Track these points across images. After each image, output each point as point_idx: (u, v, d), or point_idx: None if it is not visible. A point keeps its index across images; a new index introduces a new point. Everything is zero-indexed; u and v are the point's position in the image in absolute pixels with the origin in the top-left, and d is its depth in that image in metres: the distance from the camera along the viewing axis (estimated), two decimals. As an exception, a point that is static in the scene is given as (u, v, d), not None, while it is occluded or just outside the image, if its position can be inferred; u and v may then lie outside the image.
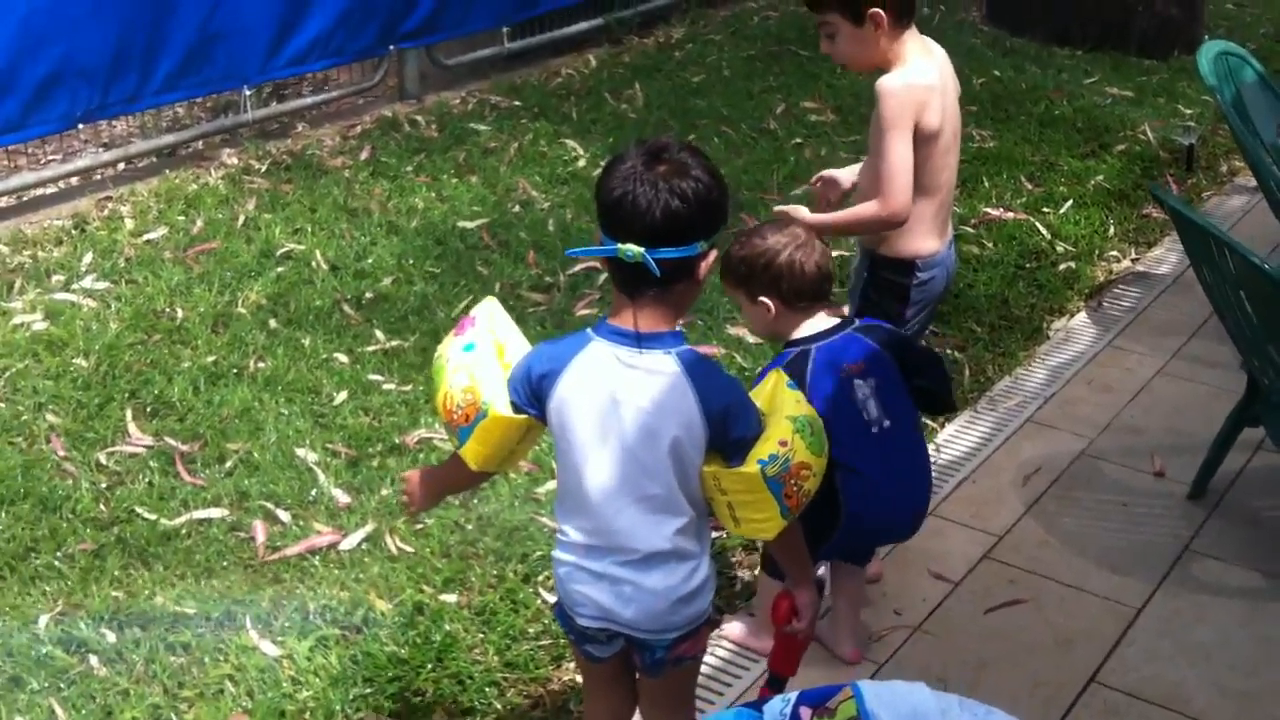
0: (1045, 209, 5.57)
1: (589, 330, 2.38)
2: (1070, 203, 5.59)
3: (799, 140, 6.22)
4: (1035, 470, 3.98)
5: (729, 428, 2.31)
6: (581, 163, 6.02)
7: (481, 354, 2.47)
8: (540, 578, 3.48)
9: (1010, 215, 5.48)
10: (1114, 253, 5.40)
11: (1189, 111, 6.73)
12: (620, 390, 2.31)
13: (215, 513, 3.70)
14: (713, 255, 2.32)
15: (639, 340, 2.30)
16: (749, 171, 5.86)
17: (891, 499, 2.99)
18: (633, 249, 2.21)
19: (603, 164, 6.02)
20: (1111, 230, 5.51)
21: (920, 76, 3.15)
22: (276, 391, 4.27)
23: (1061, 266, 5.19)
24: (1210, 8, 7.99)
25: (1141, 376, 4.51)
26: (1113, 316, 4.96)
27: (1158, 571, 3.54)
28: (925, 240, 3.23)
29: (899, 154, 3.10)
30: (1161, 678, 3.18)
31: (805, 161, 5.96)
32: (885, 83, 3.13)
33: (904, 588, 3.49)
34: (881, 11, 3.11)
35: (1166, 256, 5.42)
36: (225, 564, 3.51)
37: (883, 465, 2.93)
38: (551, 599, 3.39)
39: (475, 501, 3.74)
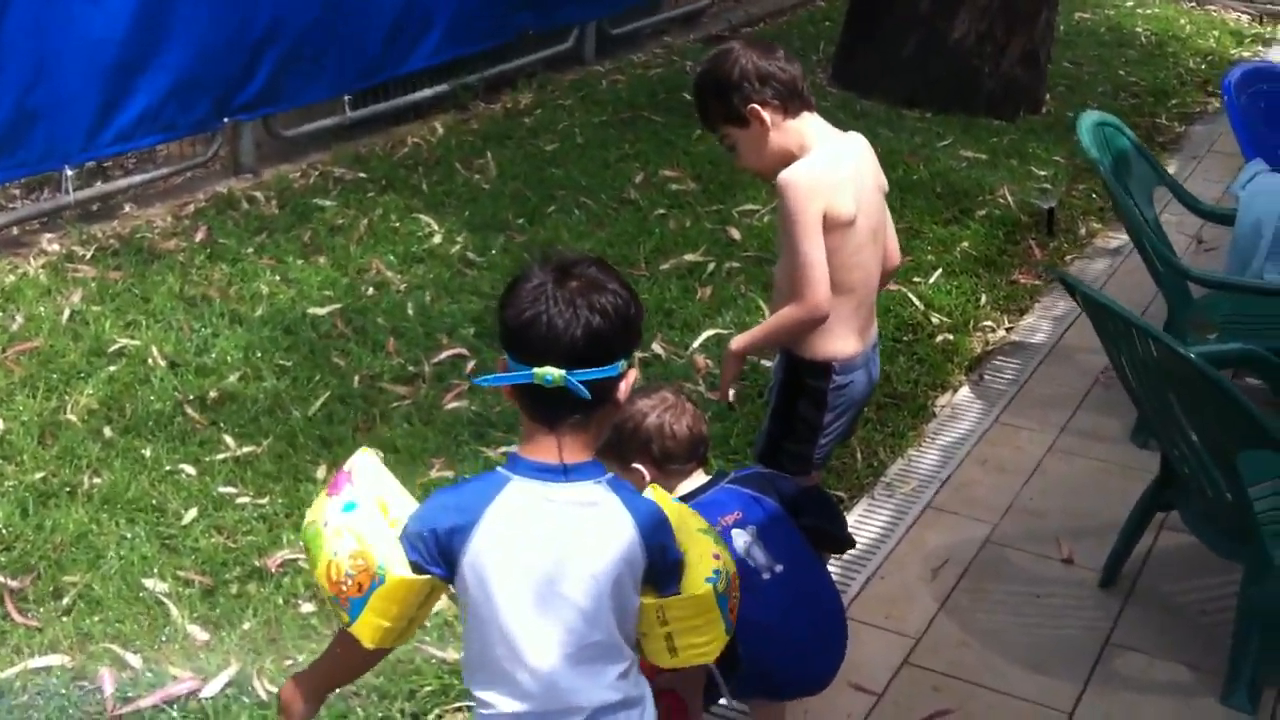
0: (916, 278, 5.45)
1: (501, 470, 2.12)
2: (939, 271, 5.49)
3: (662, 211, 6.01)
4: (943, 562, 3.81)
5: (666, 552, 2.14)
6: (437, 239, 5.70)
7: (364, 512, 2.15)
8: (430, 716, 3.15)
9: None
10: (988, 322, 5.32)
11: (1043, 173, 6.75)
12: (554, 534, 2.07)
13: (55, 660, 3.27)
14: (633, 375, 2.15)
15: (565, 473, 2.08)
16: (614, 245, 5.62)
17: (797, 648, 2.77)
18: (553, 373, 2.02)
19: (458, 240, 5.84)
20: (983, 299, 5.43)
21: (824, 164, 2.96)
22: (116, 511, 3.85)
23: (939, 338, 5.07)
24: (1050, 67, 8.09)
25: (1033, 455, 4.40)
26: (996, 390, 4.85)
27: (1082, 670, 3.39)
28: (842, 341, 3.03)
29: (808, 247, 2.90)
30: (1103, 794, 3.01)
31: (670, 234, 5.75)
32: (785, 175, 2.93)
33: (825, 703, 3.25)
34: (757, 107, 2.95)
35: (1039, 325, 5.37)
36: (68, 722, 3.09)
37: (779, 612, 2.70)
38: (445, 743, 3.07)
39: (351, 631, 3.39)
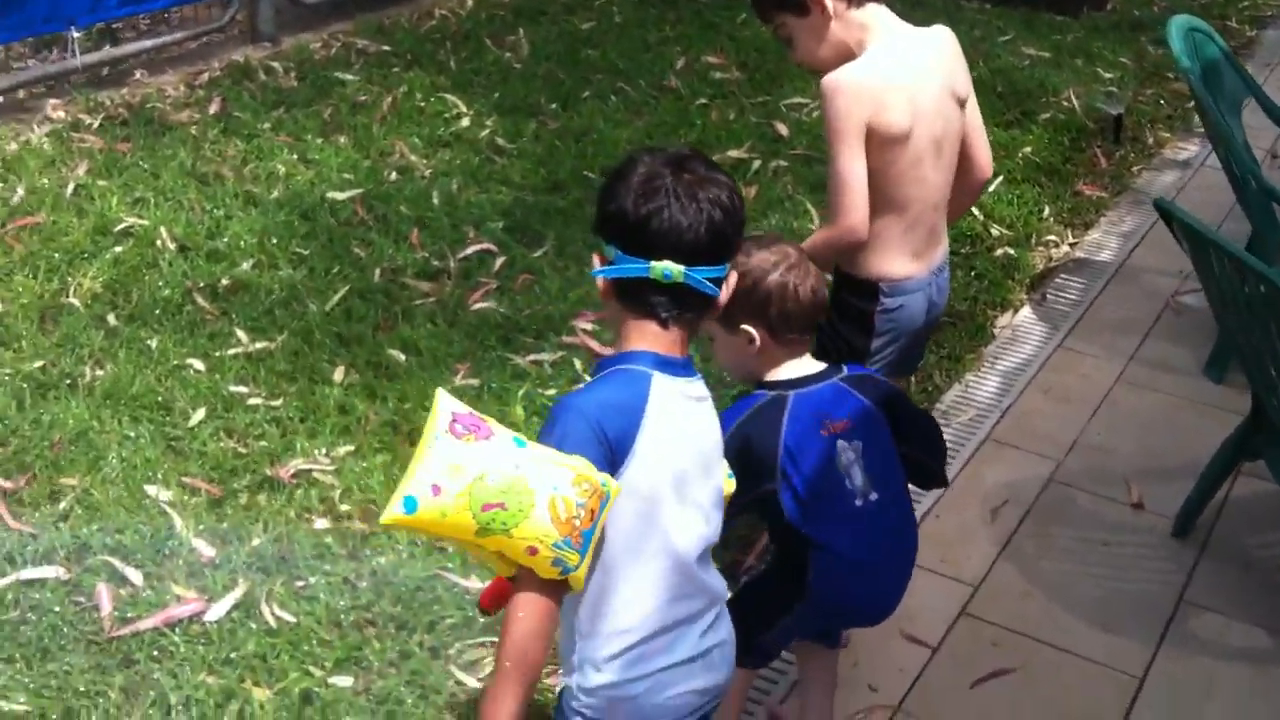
0: (974, 186, 5.11)
1: (636, 367, 1.95)
2: (1000, 179, 5.14)
3: (704, 101, 5.65)
4: (1003, 502, 3.54)
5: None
6: (465, 122, 5.36)
7: (531, 443, 1.87)
8: (452, 651, 2.92)
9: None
10: (1051, 236, 4.99)
11: (1109, 76, 6.35)
12: (696, 431, 2.02)
13: (49, 572, 3.03)
14: (734, 278, 2.03)
15: (688, 367, 2.01)
16: (653, 136, 5.27)
17: (869, 583, 2.49)
18: (673, 268, 1.92)
19: (487, 123, 5.48)
20: (1046, 211, 5.09)
21: (875, 70, 2.61)
22: (119, 407, 3.59)
23: (999, 252, 4.75)
24: (1115, -38, 7.62)
25: (1100, 384, 4.10)
26: (1059, 311, 4.54)
27: (1154, 630, 3.13)
28: (892, 262, 2.71)
29: (845, 163, 2.59)
30: (1178, 770, 2.77)
31: (713, 126, 5.41)
32: (830, 80, 2.60)
33: (876, 655, 3.02)
34: None
35: (1105, 241, 5.03)
36: (63, 642, 2.86)
37: (867, 546, 2.42)
38: (468, 680, 2.84)
39: (367, 553, 3.15)
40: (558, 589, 1.85)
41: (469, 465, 1.78)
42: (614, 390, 1.94)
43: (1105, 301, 4.60)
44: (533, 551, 1.79)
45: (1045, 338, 4.35)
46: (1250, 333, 3.00)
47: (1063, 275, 4.76)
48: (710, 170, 1.98)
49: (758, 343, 2.38)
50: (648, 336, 1.98)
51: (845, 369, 2.47)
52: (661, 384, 1.95)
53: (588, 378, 3.79)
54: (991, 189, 5.07)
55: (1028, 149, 5.43)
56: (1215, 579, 3.30)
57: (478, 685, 2.84)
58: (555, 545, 1.79)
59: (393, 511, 1.79)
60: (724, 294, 2.01)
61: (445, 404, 1.87)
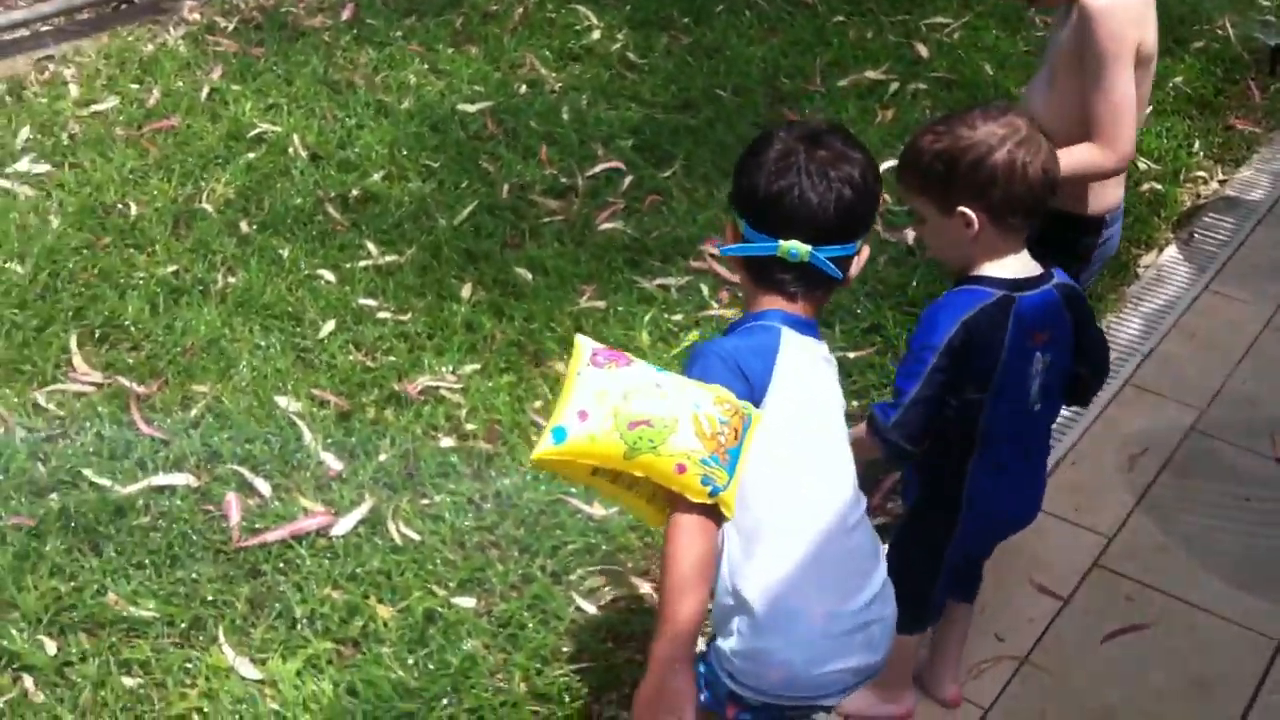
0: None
1: (765, 322, 1.98)
2: (1149, 110, 4.92)
3: (841, 18, 5.48)
4: (1142, 450, 3.42)
5: None
6: (596, 34, 5.26)
7: (670, 372, 1.90)
8: (573, 577, 2.91)
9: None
10: (1200, 173, 4.77)
11: (1266, 3, 6.03)
12: (821, 384, 2.02)
13: (179, 479, 3.07)
14: (865, 252, 2.04)
15: (815, 329, 2.03)
16: (787, 54, 5.13)
17: (1022, 489, 2.40)
18: (799, 248, 1.94)
19: (618, 37, 5.38)
20: (1196, 145, 4.87)
21: None
22: (250, 316, 3.62)
23: (1144, 187, 4.56)
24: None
25: (1248, 331, 3.93)
26: (1206, 252, 4.35)
27: (1297, 593, 3.02)
28: (1117, 189, 2.66)
29: (1124, 86, 2.49)
30: (1320, 738, 2.67)
31: (849, 45, 5.24)
32: (1097, 1, 2.47)
33: (1005, 603, 2.95)
34: None
35: (1257, 179, 4.80)
36: (192, 550, 2.91)
37: (1023, 452, 2.34)
38: (589, 607, 2.83)
39: (492, 474, 3.14)
40: (713, 514, 1.82)
41: (613, 389, 1.80)
42: (748, 338, 1.97)
43: (1256, 243, 4.40)
44: (681, 469, 1.78)
45: (1191, 279, 4.18)
46: None
47: (1211, 214, 4.56)
48: (847, 146, 1.97)
49: (975, 227, 2.17)
50: (776, 303, 2.00)
51: (1057, 275, 2.27)
52: (791, 337, 1.97)
53: (714, 305, 3.76)
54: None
55: (1178, 79, 5.18)
56: (1366, 542, 3.17)
57: (597, 613, 2.84)
58: (703, 461, 1.79)
59: (543, 446, 1.80)
60: (854, 269, 2.02)
61: (585, 343, 1.89)
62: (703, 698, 2.00)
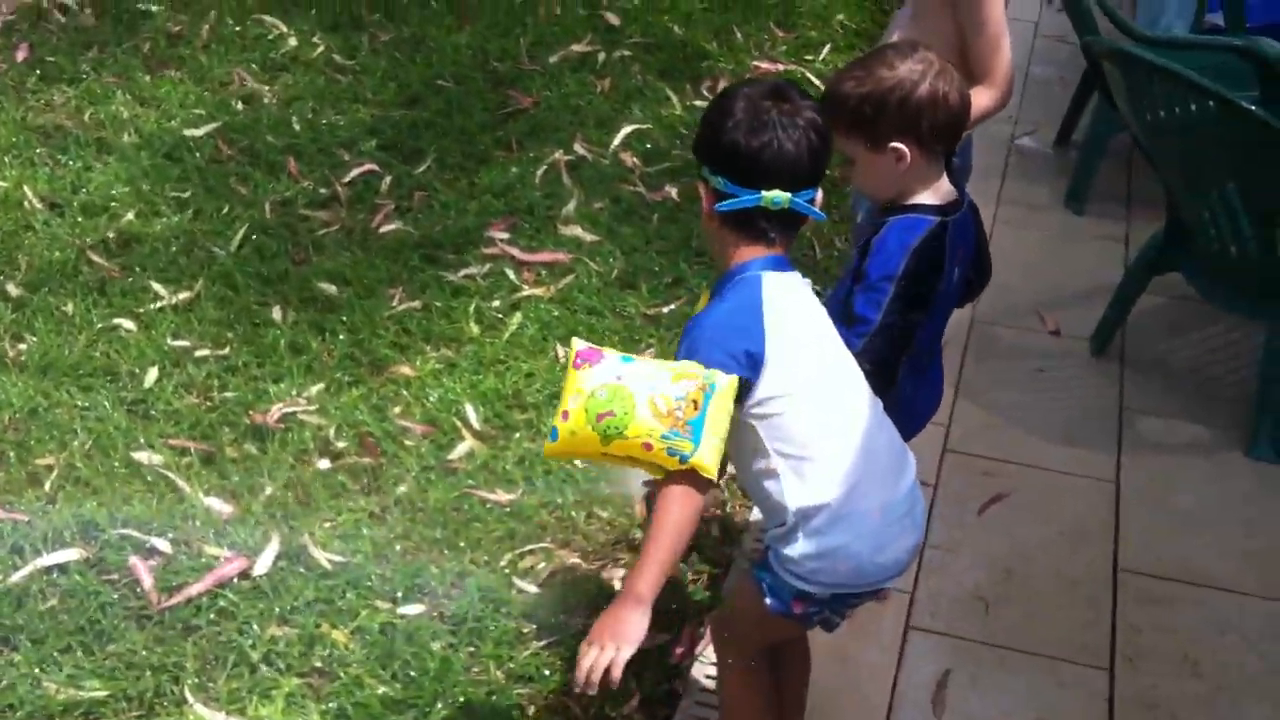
0: (808, 55, 5.33)
1: (747, 274, 2.12)
2: (829, 47, 5.37)
3: (524, -2, 5.62)
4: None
5: None
6: (293, 42, 5.16)
7: (639, 359, 2.07)
8: (503, 563, 2.97)
9: (780, 66, 5.20)
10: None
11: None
12: (809, 307, 2.19)
13: (67, 555, 2.90)
14: (820, 195, 2.16)
15: (789, 265, 2.18)
16: (490, 40, 5.21)
17: (932, 390, 2.70)
18: (781, 196, 2.08)
19: (316, 42, 5.26)
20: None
21: None
22: (61, 379, 3.42)
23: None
24: None
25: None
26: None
27: (1109, 438, 3.48)
28: None
29: (999, 18, 2.70)
30: (1173, 554, 3.12)
31: (543, 22, 5.37)
32: None
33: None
34: None
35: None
36: (114, 621, 2.76)
37: (933, 358, 2.63)
38: (530, 587, 2.91)
39: (385, 484, 3.14)
40: (695, 479, 2.00)
41: (585, 386, 2.00)
42: (731, 304, 2.11)
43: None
44: (648, 447, 1.97)
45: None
46: (1183, 153, 3.31)
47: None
48: (803, 97, 2.12)
49: (908, 159, 2.32)
50: (756, 252, 2.14)
51: (967, 197, 2.48)
52: (772, 279, 2.12)
53: (525, 287, 3.86)
54: (822, 56, 5.29)
55: (841, 15, 5.65)
56: (1143, 387, 3.68)
57: (539, 591, 2.91)
58: (663, 436, 1.97)
59: (547, 445, 2.06)
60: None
61: (574, 346, 2.07)
62: (768, 602, 2.17)
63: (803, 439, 2.10)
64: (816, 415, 2.11)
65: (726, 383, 1.99)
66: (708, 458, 1.96)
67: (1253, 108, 3.01)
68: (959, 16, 2.75)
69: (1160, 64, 3.13)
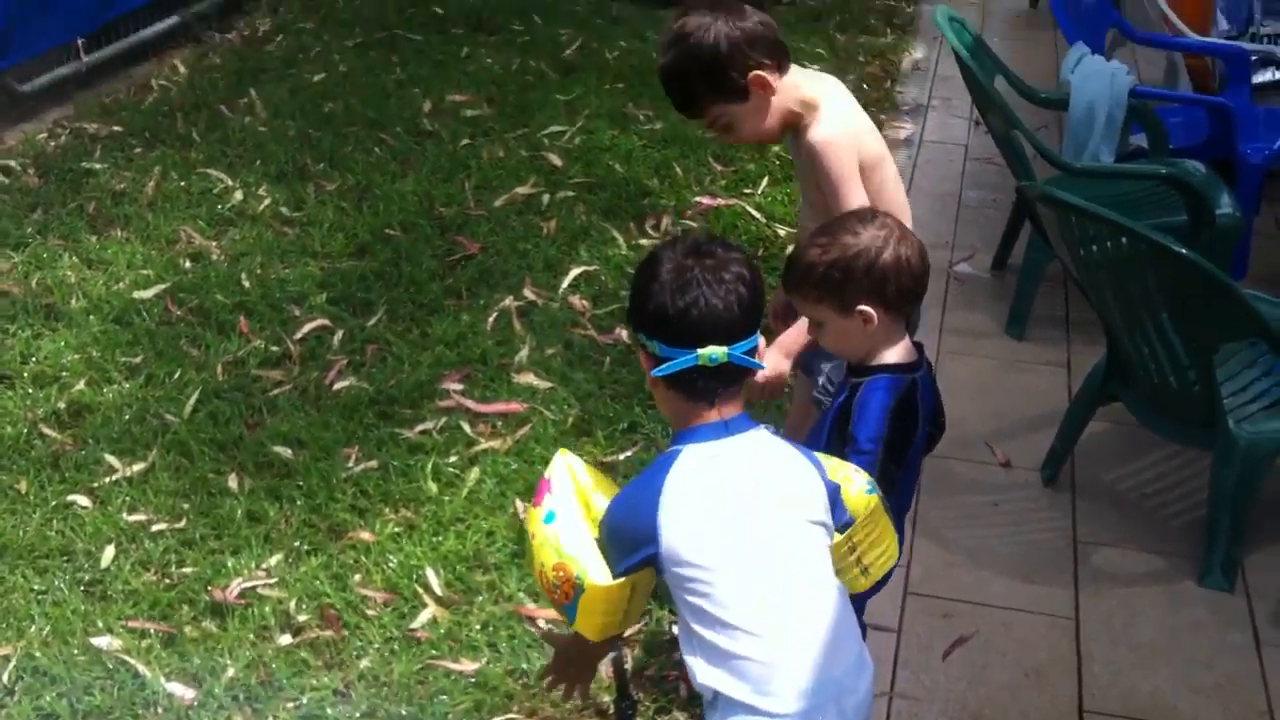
0: (746, 189, 5.44)
1: (669, 451, 2.18)
2: (766, 180, 5.49)
3: (467, 140, 5.70)
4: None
5: (828, 482, 2.24)
6: (239, 196, 5.21)
7: (563, 521, 2.20)
8: (472, 737, 2.95)
9: (720, 201, 5.30)
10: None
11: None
12: (742, 479, 2.16)
13: (27, 754, 2.85)
14: (761, 342, 2.22)
15: (727, 428, 2.17)
16: (435, 186, 5.29)
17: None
18: (717, 352, 2.12)
19: (263, 195, 5.32)
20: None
21: (843, 112, 2.87)
22: (15, 561, 3.38)
23: (788, 250, 5.06)
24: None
25: (926, 358, 4.49)
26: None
27: (1066, 573, 3.52)
28: None
29: (840, 169, 2.80)
30: (1138, 690, 3.15)
31: (486, 166, 5.47)
32: (822, 135, 2.82)
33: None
34: (761, 72, 2.78)
35: (873, 223, 5.44)
36: (78, 824, 2.71)
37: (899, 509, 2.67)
38: None
39: (348, 658, 3.11)
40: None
41: (528, 526, 2.25)
42: (632, 488, 2.19)
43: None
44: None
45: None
46: (1114, 289, 3.39)
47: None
48: (727, 251, 2.17)
49: (875, 322, 2.42)
50: (699, 414, 2.17)
51: (922, 350, 2.56)
52: (694, 454, 2.13)
53: (481, 440, 3.87)
54: (760, 189, 5.39)
55: (775, 147, 5.78)
56: (1095, 516, 3.73)
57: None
58: (554, 605, 2.22)
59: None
60: (761, 349, 2.22)
61: (550, 467, 2.30)
62: None
63: (726, 618, 2.09)
64: (743, 595, 2.09)
65: (591, 591, 2.10)
66: (586, 629, 2.16)
67: (1182, 250, 3.10)
68: (830, 202, 2.85)
69: (1092, 210, 3.23)
